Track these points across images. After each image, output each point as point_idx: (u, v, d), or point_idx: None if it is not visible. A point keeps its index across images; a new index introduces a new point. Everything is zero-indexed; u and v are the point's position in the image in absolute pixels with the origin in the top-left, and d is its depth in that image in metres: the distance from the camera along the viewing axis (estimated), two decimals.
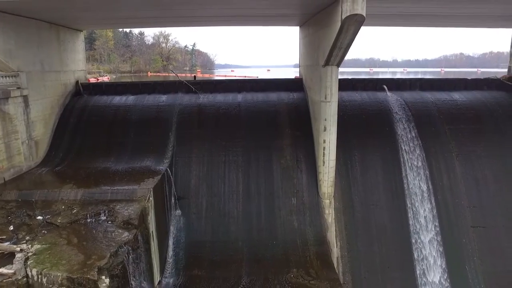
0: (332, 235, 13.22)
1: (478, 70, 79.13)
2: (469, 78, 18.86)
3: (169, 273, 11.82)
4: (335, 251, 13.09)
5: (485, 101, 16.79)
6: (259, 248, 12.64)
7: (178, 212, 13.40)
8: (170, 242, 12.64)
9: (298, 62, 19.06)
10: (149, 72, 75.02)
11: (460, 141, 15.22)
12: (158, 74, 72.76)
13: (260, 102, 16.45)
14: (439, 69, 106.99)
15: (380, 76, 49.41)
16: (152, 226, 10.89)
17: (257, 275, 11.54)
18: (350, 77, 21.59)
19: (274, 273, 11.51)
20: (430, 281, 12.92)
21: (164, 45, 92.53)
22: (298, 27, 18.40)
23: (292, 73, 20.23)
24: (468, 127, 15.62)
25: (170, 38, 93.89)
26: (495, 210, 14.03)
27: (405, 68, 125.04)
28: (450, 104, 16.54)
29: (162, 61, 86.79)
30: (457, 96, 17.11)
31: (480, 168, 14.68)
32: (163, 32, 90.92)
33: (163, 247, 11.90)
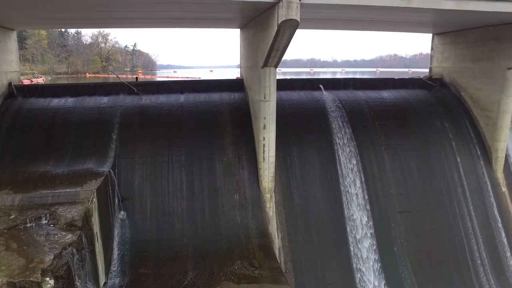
0: (273, 227, 13.93)
1: (410, 70, 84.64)
2: (396, 78, 20.57)
3: (114, 273, 11.82)
4: (277, 242, 13.82)
5: (410, 99, 18.47)
6: (204, 243, 13.03)
7: (123, 212, 13.42)
8: (115, 243, 12.64)
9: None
10: (87, 73, 72.16)
11: (388, 135, 16.65)
12: (97, 75, 70.19)
13: (202, 102, 16.80)
14: (374, 69, 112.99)
15: (321, 76, 51.45)
16: (96, 227, 10.88)
17: (203, 269, 11.93)
18: (290, 77, 22.57)
19: (219, 266, 11.95)
20: (363, 263, 14.04)
21: (103, 45, 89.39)
22: (239, 29, 18.94)
23: (235, 74, 20.72)
24: (395, 122, 17.13)
25: (110, 38, 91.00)
26: (418, 196, 15.59)
27: (343, 68, 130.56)
28: (380, 101, 17.98)
29: (102, 61, 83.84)
30: (386, 94, 18.61)
31: (406, 159, 16.20)
32: (101, 32, 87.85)
33: (108, 248, 11.89)
